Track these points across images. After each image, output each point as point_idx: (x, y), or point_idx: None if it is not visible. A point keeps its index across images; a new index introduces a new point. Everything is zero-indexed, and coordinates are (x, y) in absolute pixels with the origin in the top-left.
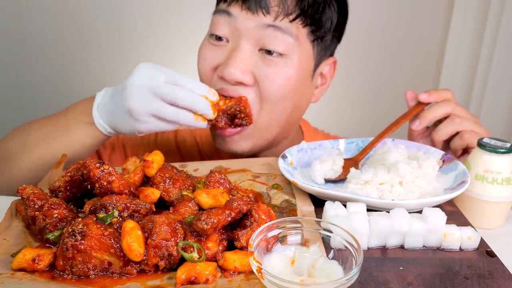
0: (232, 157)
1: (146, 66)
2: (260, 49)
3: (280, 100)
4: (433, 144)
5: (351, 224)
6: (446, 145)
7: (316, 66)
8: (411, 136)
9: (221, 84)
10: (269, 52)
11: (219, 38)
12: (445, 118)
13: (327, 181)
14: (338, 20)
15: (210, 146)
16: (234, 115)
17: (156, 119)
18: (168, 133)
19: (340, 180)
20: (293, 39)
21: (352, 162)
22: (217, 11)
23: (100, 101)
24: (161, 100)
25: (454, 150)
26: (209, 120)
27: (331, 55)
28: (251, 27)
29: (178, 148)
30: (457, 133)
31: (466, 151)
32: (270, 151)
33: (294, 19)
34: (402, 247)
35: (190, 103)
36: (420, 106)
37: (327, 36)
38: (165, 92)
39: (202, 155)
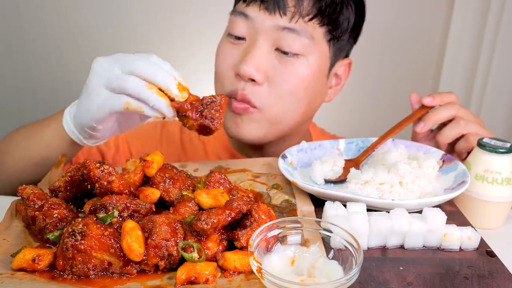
0: (233, 156)
1: (101, 60)
2: (277, 49)
3: (292, 96)
4: (437, 146)
5: (351, 224)
6: (451, 147)
7: (332, 65)
8: (414, 139)
9: (236, 83)
10: (285, 53)
11: (237, 38)
12: (450, 120)
13: (327, 181)
14: (355, 21)
15: (215, 142)
16: (207, 104)
17: (106, 91)
18: (174, 130)
19: (340, 180)
20: (308, 40)
21: (353, 163)
22: (234, 12)
23: (75, 102)
24: (118, 69)
25: (459, 153)
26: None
27: (347, 55)
28: (268, 27)
29: (182, 144)
30: (462, 136)
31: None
32: (277, 147)
33: (310, 19)
34: (402, 247)
35: (149, 72)
36: (424, 109)
37: (343, 36)
38: (126, 61)
39: (208, 152)
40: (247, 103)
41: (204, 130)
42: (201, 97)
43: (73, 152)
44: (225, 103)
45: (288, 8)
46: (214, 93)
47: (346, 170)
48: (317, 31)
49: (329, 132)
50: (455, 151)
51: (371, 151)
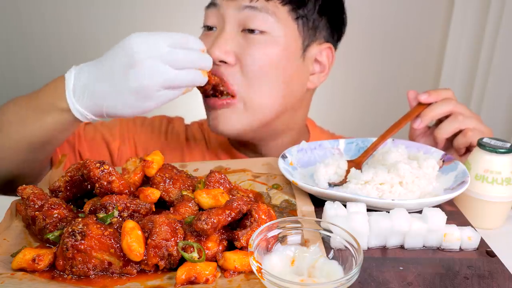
0: (233, 155)
1: (136, 36)
2: (243, 30)
3: (264, 77)
4: (435, 142)
5: (351, 224)
6: (449, 143)
7: (305, 46)
8: (412, 135)
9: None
10: (251, 31)
11: (210, 28)
12: (447, 116)
13: (330, 185)
14: (324, 2)
15: (216, 141)
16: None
17: (166, 91)
18: (179, 127)
19: (335, 184)
20: (272, 17)
21: (354, 164)
22: (207, 6)
23: (76, 84)
24: (169, 67)
25: (458, 149)
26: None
27: (326, 41)
28: (232, 10)
29: (187, 141)
30: (459, 131)
31: (468, 149)
32: (272, 145)
33: None
34: (402, 247)
35: (197, 62)
36: (421, 106)
37: (311, 15)
38: (172, 58)
39: (210, 150)
40: (226, 93)
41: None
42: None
43: (75, 128)
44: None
45: None
46: None
47: (348, 172)
48: (280, 10)
49: (328, 130)
50: (453, 146)
51: (371, 152)
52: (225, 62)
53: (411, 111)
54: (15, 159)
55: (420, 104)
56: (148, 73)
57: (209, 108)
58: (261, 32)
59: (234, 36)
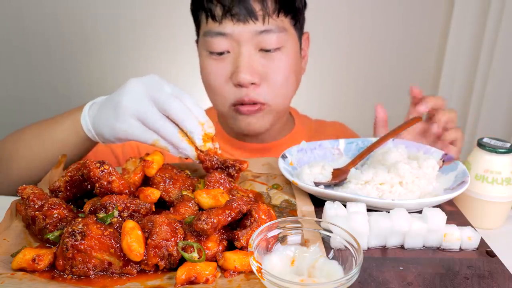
0: (230, 142)
1: (157, 76)
2: (260, 50)
3: (286, 84)
4: (434, 142)
5: (351, 224)
6: (436, 139)
7: (300, 43)
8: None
9: (238, 92)
10: (267, 50)
11: (220, 53)
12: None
13: (317, 184)
14: (305, 1)
15: (219, 135)
16: (227, 167)
17: (137, 122)
18: None
19: (339, 182)
20: (283, 33)
21: (341, 172)
22: (209, 33)
23: (96, 100)
24: (153, 105)
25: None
26: (198, 151)
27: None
28: (246, 35)
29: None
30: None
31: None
32: (271, 131)
33: (278, 15)
34: (402, 247)
35: (182, 117)
36: (414, 120)
37: (301, 16)
38: (162, 99)
39: None
40: (257, 102)
41: None
42: (219, 151)
43: (89, 147)
44: (245, 168)
45: (257, 13)
46: (212, 105)
47: (334, 177)
48: (285, 22)
49: (311, 117)
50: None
51: (359, 160)
52: (253, 83)
53: (404, 123)
54: (29, 177)
55: (413, 118)
56: (130, 94)
57: (241, 114)
58: (277, 48)
59: (254, 56)
